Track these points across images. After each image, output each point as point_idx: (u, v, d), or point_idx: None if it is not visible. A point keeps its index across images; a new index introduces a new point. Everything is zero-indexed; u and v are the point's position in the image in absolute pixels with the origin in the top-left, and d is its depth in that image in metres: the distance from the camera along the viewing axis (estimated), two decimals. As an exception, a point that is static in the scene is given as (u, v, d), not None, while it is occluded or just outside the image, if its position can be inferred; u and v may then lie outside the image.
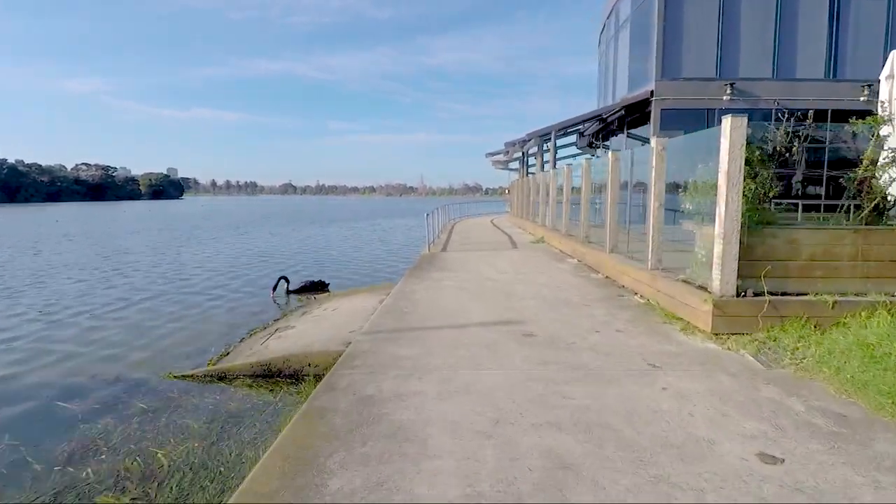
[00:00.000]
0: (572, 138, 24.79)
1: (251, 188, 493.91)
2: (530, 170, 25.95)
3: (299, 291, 10.78)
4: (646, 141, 19.03)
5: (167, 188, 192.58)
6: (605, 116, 18.65)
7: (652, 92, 16.68)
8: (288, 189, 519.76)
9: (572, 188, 12.92)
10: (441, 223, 21.72)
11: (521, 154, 23.69)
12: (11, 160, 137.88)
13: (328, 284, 11.43)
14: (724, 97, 16.59)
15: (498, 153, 24.49)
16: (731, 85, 16.53)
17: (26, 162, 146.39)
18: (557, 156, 23.60)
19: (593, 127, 21.23)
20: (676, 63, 16.92)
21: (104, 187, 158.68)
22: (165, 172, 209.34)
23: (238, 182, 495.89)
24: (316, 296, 9.88)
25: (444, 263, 10.30)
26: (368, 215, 62.68)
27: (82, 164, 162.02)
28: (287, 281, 10.99)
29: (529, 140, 19.22)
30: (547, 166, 21.65)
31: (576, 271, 9.21)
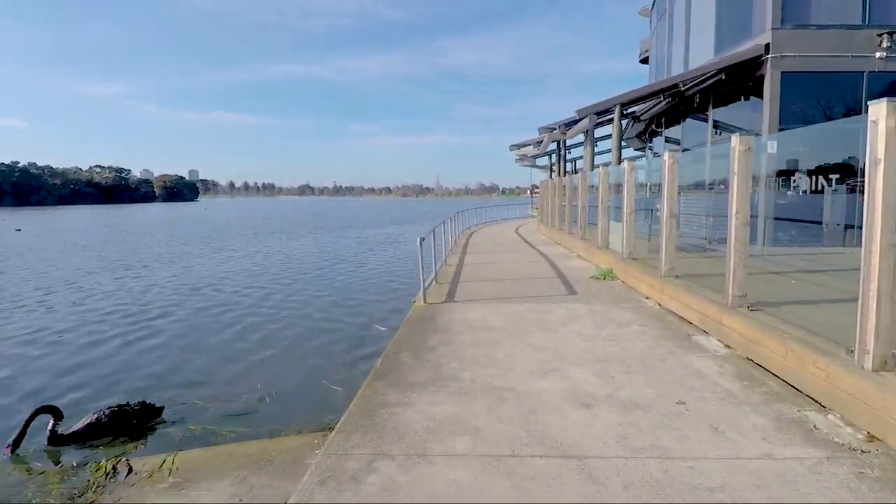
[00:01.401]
0: (608, 129, 19.22)
1: (269, 190, 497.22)
2: (567, 164, 20.50)
3: (87, 437, 4.83)
4: (740, 131, 13.45)
5: (182, 190, 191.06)
6: (683, 88, 13.14)
7: (767, 46, 11.14)
8: (305, 190, 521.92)
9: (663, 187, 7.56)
10: (454, 235, 16.51)
11: (557, 144, 18.30)
12: (24, 163, 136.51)
13: (161, 409, 5.39)
14: (877, 54, 11.01)
15: (526, 144, 19.12)
16: (890, 35, 10.92)
17: (39, 164, 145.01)
18: (592, 153, 18.18)
19: (658, 107, 15.71)
20: (802, 4, 11.38)
21: (117, 189, 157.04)
22: (181, 175, 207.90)
23: (256, 184, 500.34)
24: (130, 467, 3.98)
25: (445, 349, 5.03)
26: (377, 221, 57.85)
27: (96, 166, 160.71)
28: (55, 417, 4.84)
29: (580, 121, 13.75)
30: (602, 157, 16.25)
31: (762, 398, 3.83)
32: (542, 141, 17.31)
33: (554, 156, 20.20)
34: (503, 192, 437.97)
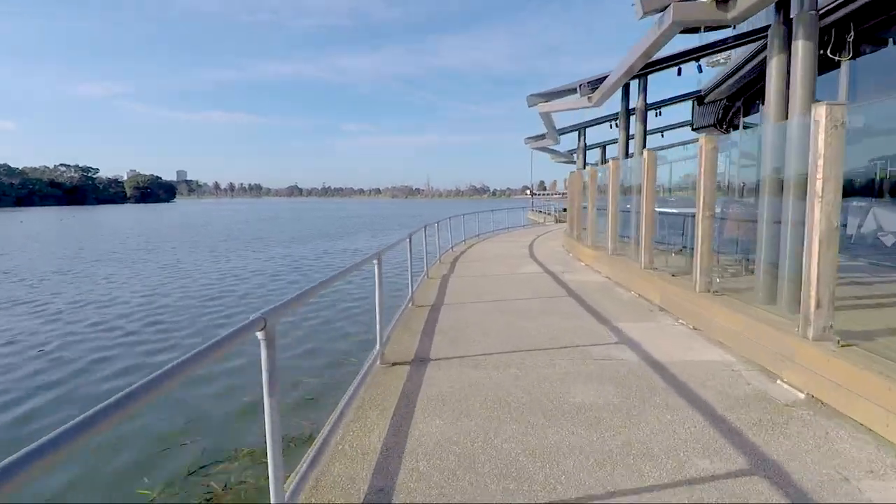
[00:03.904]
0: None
1: (256, 191, 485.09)
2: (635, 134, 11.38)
3: None
4: None
5: (156, 191, 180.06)
6: None
7: None
8: (294, 191, 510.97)
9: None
10: (425, 267, 7.71)
11: (625, 92, 9.31)
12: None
13: None
14: None
15: (563, 91, 9.93)
16: None
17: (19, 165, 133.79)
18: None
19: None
20: None
21: (83, 190, 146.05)
22: (157, 175, 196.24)
23: (242, 185, 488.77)
24: None
25: None
26: (352, 227, 48.77)
27: (61, 164, 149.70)
28: None
29: None
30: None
31: None
32: (594, 85, 8.25)
33: (622, 118, 11.02)
34: (494, 193, 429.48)
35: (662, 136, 20.59)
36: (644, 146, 8.66)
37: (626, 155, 9.43)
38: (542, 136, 14.93)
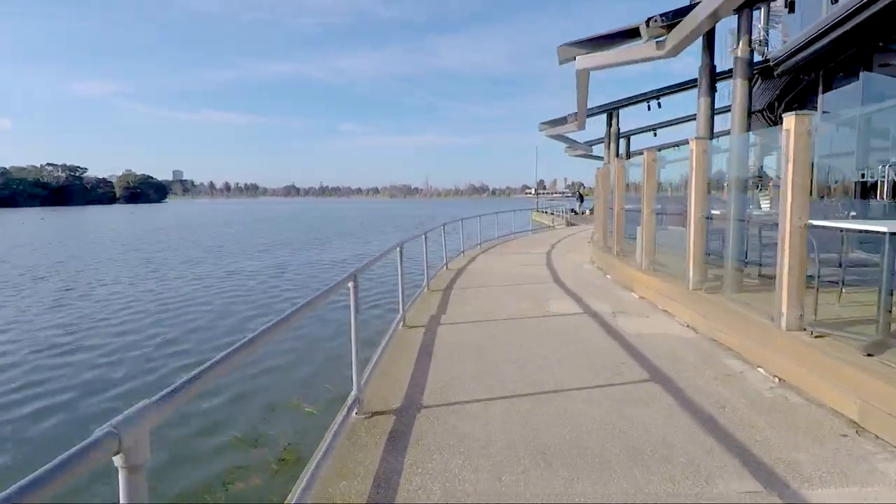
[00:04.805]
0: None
1: (252, 190, 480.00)
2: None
3: None
4: None
5: (146, 191, 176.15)
6: None
7: None
8: (290, 191, 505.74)
9: None
10: (402, 309, 4.25)
11: (706, 41, 5.95)
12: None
13: None
14: None
15: (613, 36, 6.58)
16: None
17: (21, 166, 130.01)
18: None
19: None
20: None
21: (70, 190, 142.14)
22: (148, 175, 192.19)
23: (238, 184, 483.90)
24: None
25: None
26: (334, 232, 45.60)
27: (48, 164, 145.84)
28: None
29: None
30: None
31: None
32: (670, 21, 5.08)
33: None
34: (493, 192, 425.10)
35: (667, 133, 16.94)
36: (749, 115, 5.33)
37: (711, 133, 6.15)
38: (562, 121, 11.65)
